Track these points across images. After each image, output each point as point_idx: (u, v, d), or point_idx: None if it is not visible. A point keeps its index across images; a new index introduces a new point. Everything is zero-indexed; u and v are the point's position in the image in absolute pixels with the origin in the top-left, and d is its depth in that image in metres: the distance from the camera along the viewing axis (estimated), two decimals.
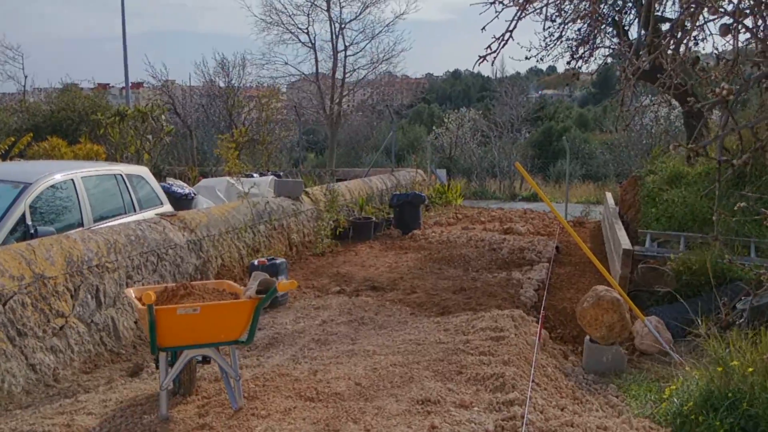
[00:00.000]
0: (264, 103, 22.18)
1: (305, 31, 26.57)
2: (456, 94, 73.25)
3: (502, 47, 10.54)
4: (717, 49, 12.00)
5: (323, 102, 26.12)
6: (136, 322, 6.99)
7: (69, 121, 18.86)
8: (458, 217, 14.50)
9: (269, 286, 4.48)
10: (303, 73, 26.72)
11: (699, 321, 6.25)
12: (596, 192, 26.76)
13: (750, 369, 4.95)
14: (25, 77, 31.75)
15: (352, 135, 34.32)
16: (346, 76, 26.46)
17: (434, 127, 36.69)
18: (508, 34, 10.33)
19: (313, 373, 5.43)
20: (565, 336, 7.30)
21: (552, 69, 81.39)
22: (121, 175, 9.06)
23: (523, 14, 10.94)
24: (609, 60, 14.19)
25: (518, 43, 13.61)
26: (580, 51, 12.71)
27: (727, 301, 7.16)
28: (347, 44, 26.80)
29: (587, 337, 6.83)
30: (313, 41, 26.78)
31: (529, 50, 12.62)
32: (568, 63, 12.76)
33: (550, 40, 12.54)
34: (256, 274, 4.73)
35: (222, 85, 27.66)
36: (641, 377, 6.45)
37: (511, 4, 10.55)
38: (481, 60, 10.44)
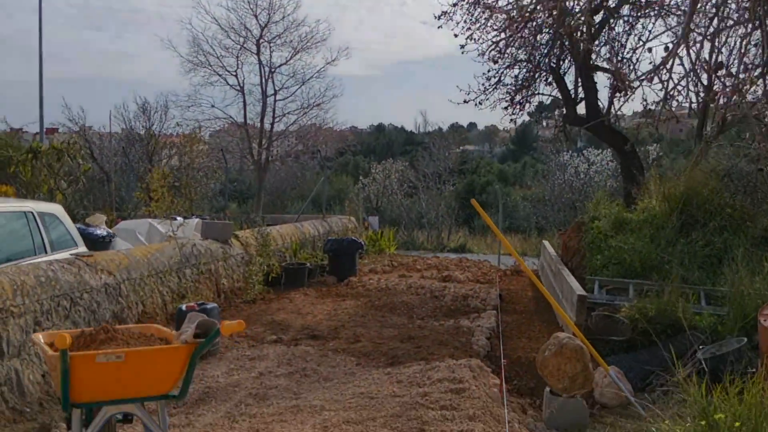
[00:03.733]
0: (186, 149, 21.23)
1: (234, 73, 25.77)
2: (380, 148, 73.46)
3: None
4: (645, 100, 12.12)
5: (250, 147, 25.26)
6: (43, 376, 6.09)
7: None
8: (393, 264, 13.97)
9: (210, 328, 3.80)
10: (230, 117, 25.79)
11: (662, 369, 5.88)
12: (522, 244, 26.80)
13: (737, 423, 4.53)
14: None
15: (278, 184, 33.51)
16: (276, 120, 25.77)
17: (361, 177, 36.35)
18: None
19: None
20: (521, 388, 6.78)
21: (472, 125, 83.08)
22: (31, 212, 8.17)
23: None
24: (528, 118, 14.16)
25: (457, 86, 13.35)
26: (518, 97, 12.58)
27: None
28: (277, 89, 26.17)
29: (547, 389, 6.34)
30: (241, 84, 25.96)
31: (468, 93, 12.40)
32: (506, 108, 12.61)
33: (489, 85, 12.37)
34: (191, 316, 4.05)
35: (142, 130, 26.51)
36: None
37: None
38: None
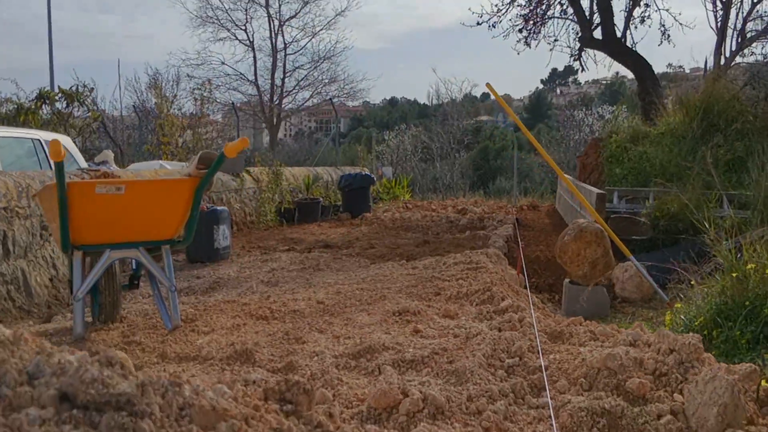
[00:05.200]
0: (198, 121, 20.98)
1: (243, 28, 25.46)
2: (393, 121, 73.12)
3: None
4: (663, 25, 11.81)
5: (262, 103, 25.02)
6: (51, 279, 6.00)
7: None
8: (408, 207, 13.79)
9: (212, 157, 3.65)
10: (241, 74, 25.51)
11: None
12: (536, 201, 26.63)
13: None
14: None
15: (292, 155, 33.47)
16: (287, 75, 25.50)
17: (374, 145, 36.11)
18: None
19: (265, 298, 4.58)
20: (540, 285, 6.62)
21: (486, 96, 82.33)
22: (39, 140, 8.10)
23: None
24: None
25: (469, 9, 13.14)
26: (531, 23, 12.30)
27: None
28: (287, 42, 25.88)
29: (566, 280, 6.18)
30: (251, 39, 25.64)
31: (481, 16, 12.17)
32: (520, 31, 12.33)
33: (502, 4, 12.11)
34: (193, 158, 3.90)
35: (154, 102, 26.28)
36: (627, 320, 5.83)
37: None
38: None
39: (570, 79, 79.91)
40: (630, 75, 12.23)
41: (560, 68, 79.89)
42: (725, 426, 2.68)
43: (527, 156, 42.50)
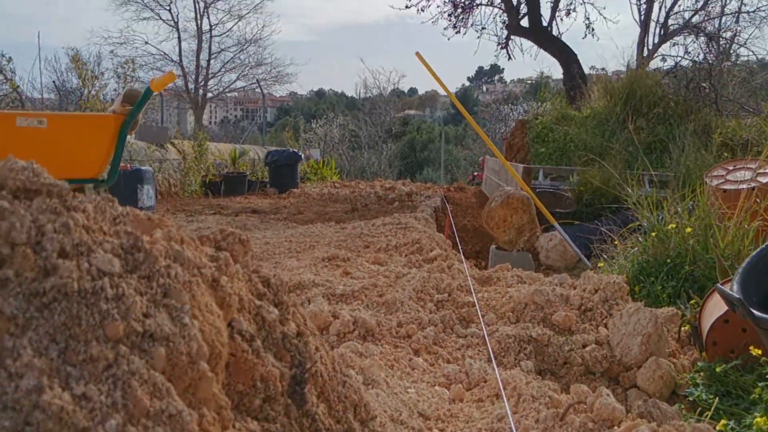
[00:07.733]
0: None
1: (167, 8, 24.73)
2: (321, 113, 72.91)
3: None
4: (588, 18, 12.12)
5: (186, 85, 24.40)
6: None
7: None
8: (336, 186, 13.75)
9: (137, 94, 3.52)
10: (165, 54, 24.79)
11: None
12: None
13: (688, 229, 4.51)
14: None
15: (217, 141, 32.85)
16: (212, 57, 24.92)
17: (302, 132, 35.83)
18: None
19: None
20: (466, 251, 6.68)
21: (413, 91, 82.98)
22: None
23: None
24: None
25: None
26: (459, 9, 12.41)
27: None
28: (213, 24, 25.28)
29: (493, 246, 6.29)
30: (175, 20, 24.93)
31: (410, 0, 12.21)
32: (449, 17, 12.45)
33: None
34: (118, 96, 3.76)
35: (75, 83, 25.31)
36: None
37: None
38: None
39: (496, 78, 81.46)
40: (555, 75, 12.62)
41: (486, 66, 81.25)
42: (648, 354, 2.76)
43: (454, 149, 43.09)
